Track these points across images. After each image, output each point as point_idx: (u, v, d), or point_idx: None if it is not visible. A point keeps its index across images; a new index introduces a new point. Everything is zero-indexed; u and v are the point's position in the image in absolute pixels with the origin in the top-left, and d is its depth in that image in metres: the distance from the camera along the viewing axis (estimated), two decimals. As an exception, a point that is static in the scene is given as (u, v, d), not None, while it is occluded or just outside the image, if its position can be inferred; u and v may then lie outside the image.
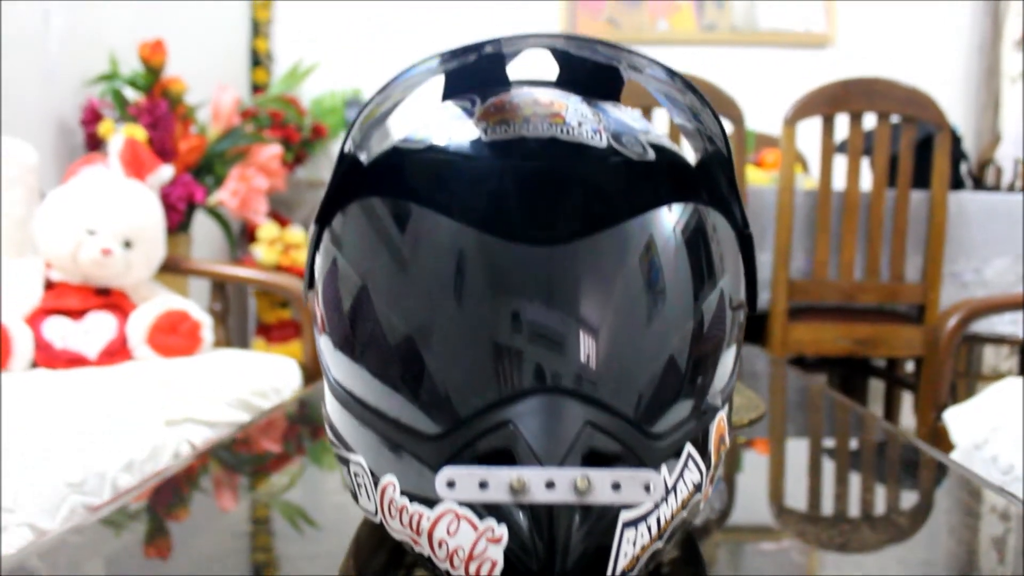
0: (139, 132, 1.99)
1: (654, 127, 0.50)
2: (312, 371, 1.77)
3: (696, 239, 0.45)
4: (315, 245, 0.50)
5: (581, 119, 0.45)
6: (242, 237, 3.14)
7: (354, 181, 0.48)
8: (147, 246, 1.63)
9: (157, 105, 2.06)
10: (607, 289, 0.41)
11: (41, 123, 2.02)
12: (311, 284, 0.50)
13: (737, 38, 3.24)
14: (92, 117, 2.06)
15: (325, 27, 3.42)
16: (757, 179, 2.39)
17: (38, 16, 2.00)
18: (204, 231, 2.62)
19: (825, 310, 2.17)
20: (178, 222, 2.13)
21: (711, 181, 0.48)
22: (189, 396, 1.31)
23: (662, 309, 0.43)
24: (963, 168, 2.36)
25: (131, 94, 2.17)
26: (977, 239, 2.12)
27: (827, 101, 2.05)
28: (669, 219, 0.44)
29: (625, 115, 0.49)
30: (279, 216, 3.11)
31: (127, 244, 1.59)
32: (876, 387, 2.84)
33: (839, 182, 2.14)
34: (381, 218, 0.45)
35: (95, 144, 2.07)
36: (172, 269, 1.77)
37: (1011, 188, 2.45)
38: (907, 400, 2.67)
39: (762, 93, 3.29)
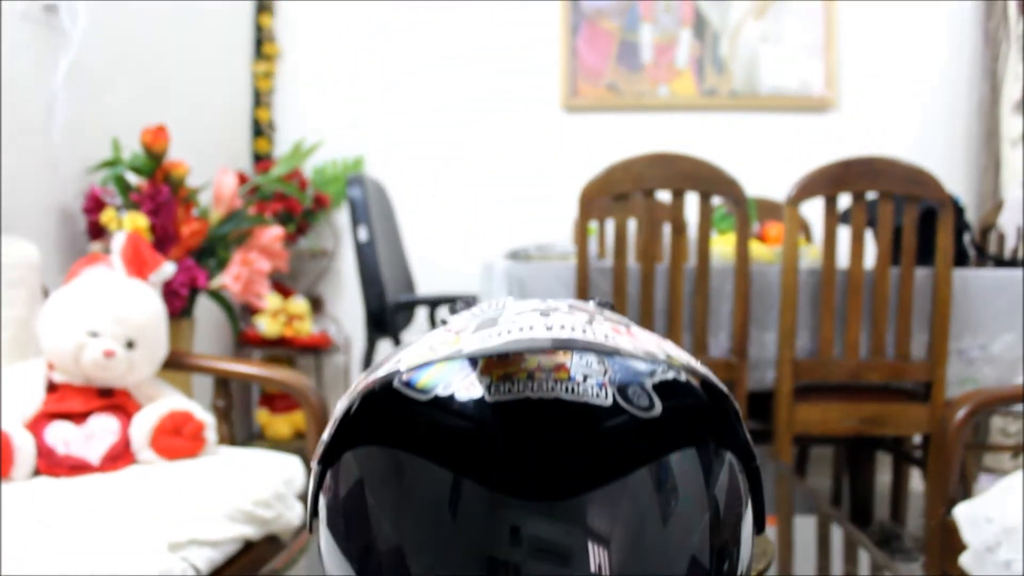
0: (141, 220, 2.00)
1: (667, 354, 0.49)
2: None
3: (698, 481, 0.45)
4: (318, 484, 0.50)
5: (586, 371, 0.45)
6: (245, 309, 3.14)
7: (358, 421, 0.48)
8: (150, 345, 1.63)
9: (159, 191, 2.07)
10: (610, 541, 0.43)
11: (44, 211, 2.03)
12: (315, 514, 0.50)
13: (738, 103, 3.26)
14: (94, 205, 2.07)
15: (327, 97, 3.45)
16: (761, 254, 2.39)
17: (43, 104, 2.01)
18: (207, 313, 2.62)
19: (831, 389, 2.16)
20: (180, 308, 2.13)
21: (717, 422, 0.48)
22: (192, 513, 1.30)
23: (667, 557, 0.43)
24: (966, 238, 2.35)
25: (133, 178, 2.18)
26: (982, 315, 2.11)
27: (829, 181, 2.05)
28: (674, 466, 0.45)
29: (635, 352, 0.48)
30: (281, 287, 3.11)
31: (129, 344, 1.59)
32: (883, 459, 2.82)
33: (843, 259, 2.14)
34: (385, 470, 0.45)
35: (97, 233, 2.08)
36: (175, 365, 1.77)
37: (1014, 255, 2.45)
38: (915, 474, 2.65)
39: (764, 158, 3.31)
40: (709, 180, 2.08)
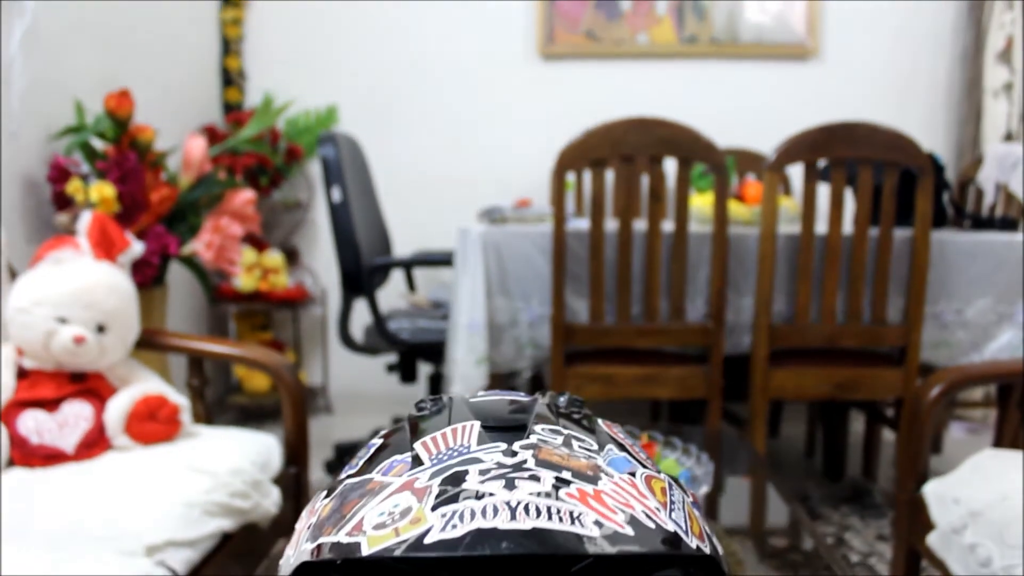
0: (108, 189, 1.95)
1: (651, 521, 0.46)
2: (295, 448, 1.76)
3: None
4: None
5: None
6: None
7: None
8: (121, 329, 1.60)
9: (126, 158, 2.02)
10: None
11: (6, 181, 1.97)
12: None
13: (719, 51, 3.20)
14: (59, 175, 2.01)
15: (299, 44, 3.35)
16: (739, 214, 2.38)
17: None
18: (180, 276, 2.59)
19: (806, 353, 2.17)
20: (152, 276, 2.10)
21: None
22: (168, 512, 1.29)
23: None
24: (945, 197, 2.35)
25: (98, 143, 2.12)
26: (958, 280, 2.12)
27: (809, 147, 2.03)
28: None
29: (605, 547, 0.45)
30: (256, 240, 3.07)
31: (100, 329, 1.56)
32: (857, 412, 2.86)
33: (822, 218, 2.13)
34: None
35: (63, 203, 2.02)
36: (148, 345, 1.74)
37: (992, 211, 2.45)
38: (888, 430, 2.69)
39: (745, 106, 3.27)
40: (689, 146, 2.05)
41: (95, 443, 1.53)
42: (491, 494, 0.42)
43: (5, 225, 1.77)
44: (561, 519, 0.41)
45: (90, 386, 1.58)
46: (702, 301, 2.20)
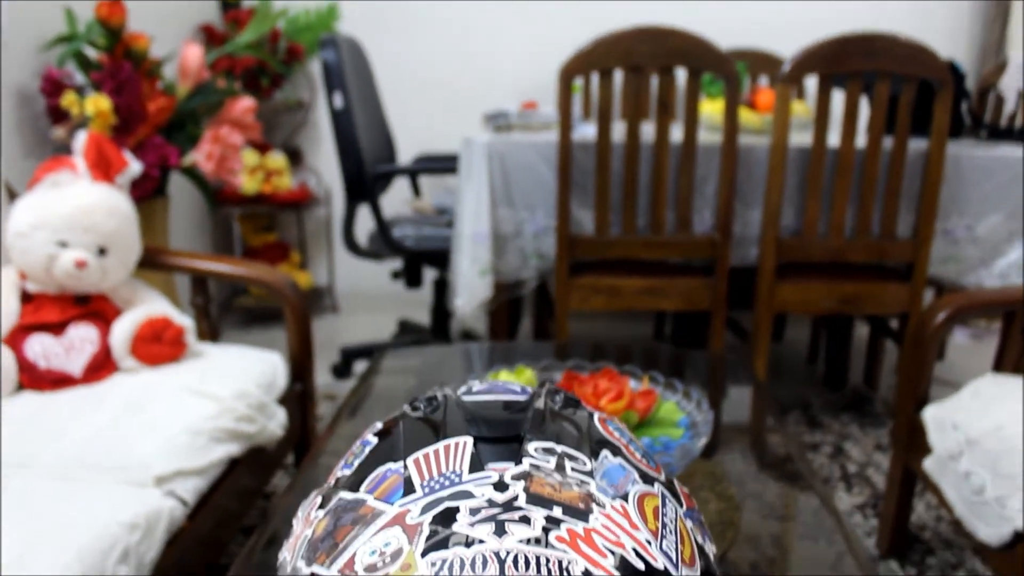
0: (104, 102, 1.90)
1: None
2: (300, 364, 1.77)
3: None
4: None
5: None
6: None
7: None
8: (122, 250, 1.60)
9: (120, 68, 1.96)
10: None
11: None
12: None
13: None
14: (53, 88, 1.96)
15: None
16: (750, 121, 2.32)
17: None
18: (181, 184, 2.55)
19: (812, 267, 2.16)
20: (153, 188, 2.07)
21: None
22: (176, 442, 1.31)
23: None
24: (963, 106, 2.28)
25: (91, 52, 2.06)
26: (971, 195, 2.08)
27: (825, 59, 1.95)
28: None
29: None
30: (258, 142, 3.02)
31: (101, 251, 1.56)
32: (861, 323, 2.86)
33: (836, 126, 2.08)
34: None
35: (59, 116, 1.98)
36: (151, 264, 1.74)
37: (1011, 121, 2.38)
38: (892, 343, 2.69)
39: (760, 2, 3.15)
40: (700, 56, 1.98)
41: (102, 366, 1.55)
42: (480, 541, 0.42)
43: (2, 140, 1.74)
44: (550, 572, 0.41)
45: (94, 308, 1.59)
46: (709, 213, 2.17)
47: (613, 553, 0.44)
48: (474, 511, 0.44)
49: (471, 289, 2.23)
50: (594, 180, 2.09)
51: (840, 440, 2.27)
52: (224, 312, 3.29)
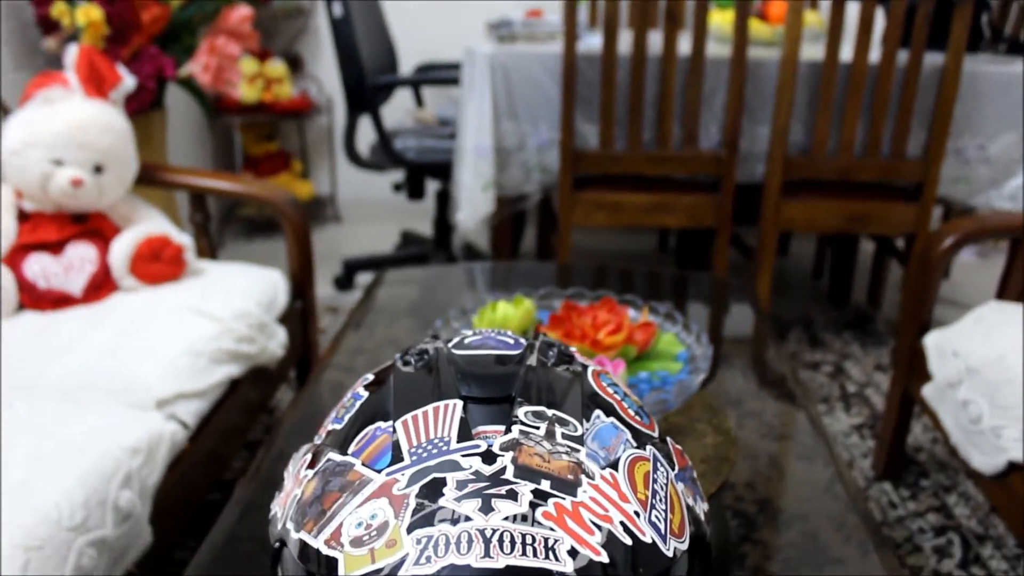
0: (95, 12, 1.85)
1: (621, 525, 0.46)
2: (301, 281, 1.77)
3: None
4: None
5: None
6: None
7: None
8: (118, 167, 1.57)
9: (112, -26, 1.90)
10: None
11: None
12: None
13: None
14: (42, -5, 1.90)
15: None
16: (760, 33, 2.26)
17: None
18: (178, 96, 2.50)
19: (819, 185, 2.12)
20: (150, 100, 2.03)
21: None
22: (177, 364, 1.32)
23: None
24: (984, 18, 2.21)
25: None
26: (985, 114, 2.03)
27: (841, -33, 1.88)
28: None
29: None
30: (257, 49, 2.94)
31: (97, 169, 1.53)
32: (867, 240, 2.83)
33: (847, 47, 2.01)
34: None
35: (49, 27, 1.92)
36: (148, 181, 1.71)
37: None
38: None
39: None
40: (711, -35, 1.91)
41: (102, 285, 1.54)
42: (467, 518, 0.42)
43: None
44: (536, 551, 0.41)
45: (93, 226, 1.57)
46: (716, 129, 2.13)
47: (600, 528, 0.43)
48: (461, 484, 0.44)
49: (473, 204, 2.21)
50: (599, 93, 2.04)
51: (841, 359, 2.28)
52: (226, 223, 3.27)
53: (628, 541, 0.44)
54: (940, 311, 1.63)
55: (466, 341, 0.60)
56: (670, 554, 0.46)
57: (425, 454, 0.46)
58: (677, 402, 0.96)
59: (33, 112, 1.51)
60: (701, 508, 0.55)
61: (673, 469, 0.53)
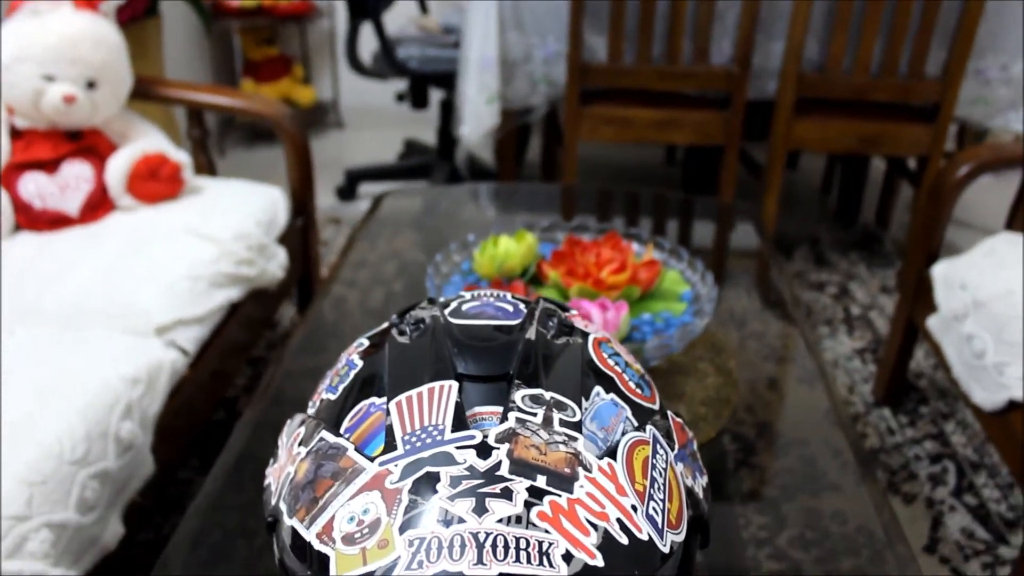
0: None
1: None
2: (301, 198, 1.74)
3: None
4: None
5: None
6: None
7: None
8: (112, 82, 1.53)
9: None
10: None
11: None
12: None
13: None
14: None
15: None
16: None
17: None
18: (173, 5, 2.41)
19: (833, 104, 2.07)
20: (144, 7, 1.97)
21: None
22: (176, 290, 1.31)
23: None
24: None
25: None
26: (1010, 33, 1.96)
27: None
28: None
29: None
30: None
31: (90, 85, 1.49)
32: (878, 158, 2.77)
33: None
34: None
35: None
36: (143, 96, 1.67)
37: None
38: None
39: None
40: None
41: (99, 204, 1.52)
42: (460, 520, 0.41)
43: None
44: (530, 557, 0.40)
45: (88, 144, 1.54)
46: (728, 43, 2.06)
47: (596, 528, 0.42)
48: (455, 481, 0.43)
49: (477, 117, 2.16)
50: (608, 4, 1.97)
51: (846, 280, 2.27)
52: (226, 130, 3.22)
53: (624, 540, 0.43)
54: (949, 232, 1.60)
55: (464, 308, 0.58)
56: (666, 550, 0.45)
57: (419, 443, 0.45)
58: (680, 346, 0.95)
59: (21, 24, 1.46)
60: (700, 484, 0.54)
61: (673, 449, 0.52)
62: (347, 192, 2.80)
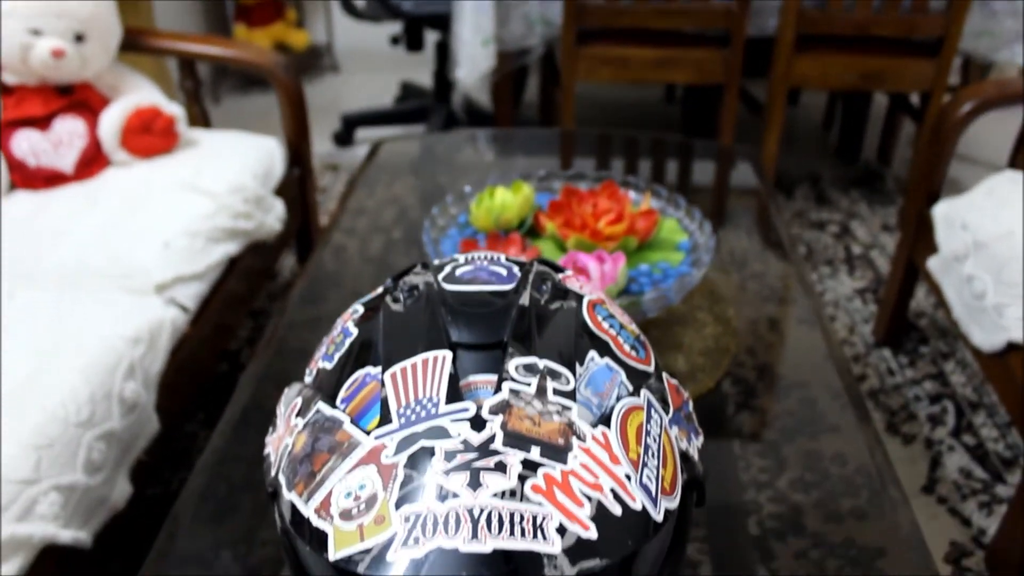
0: None
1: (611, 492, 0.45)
2: (297, 148, 1.73)
3: None
4: None
5: None
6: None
7: None
8: (101, 35, 1.51)
9: None
10: None
11: None
12: None
13: None
14: None
15: None
16: None
17: None
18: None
19: (834, 40, 2.03)
20: (130, -46, 1.92)
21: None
22: (174, 246, 1.30)
23: None
24: None
25: None
26: (1016, -39, 1.92)
27: None
28: None
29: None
30: None
31: (79, 38, 1.47)
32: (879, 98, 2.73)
33: None
34: None
35: None
36: (134, 47, 1.64)
37: None
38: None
39: None
40: None
41: (93, 160, 1.51)
42: (455, 495, 0.41)
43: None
44: (524, 531, 0.41)
45: (80, 98, 1.52)
46: (728, -21, 2.02)
47: (590, 499, 0.43)
48: (450, 455, 0.43)
49: (473, 59, 2.13)
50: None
51: (847, 219, 2.26)
52: (220, 76, 3.17)
53: (618, 511, 0.44)
54: (952, 167, 1.59)
55: (458, 273, 0.58)
56: (659, 518, 0.46)
57: (413, 416, 0.46)
58: (678, 298, 0.95)
59: (5, -22, 1.43)
60: (695, 446, 0.55)
61: (668, 413, 0.53)
62: (344, 138, 2.77)
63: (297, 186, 1.75)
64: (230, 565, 0.75)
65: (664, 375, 0.56)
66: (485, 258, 0.60)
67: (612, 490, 0.44)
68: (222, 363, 1.73)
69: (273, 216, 1.55)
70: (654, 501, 0.46)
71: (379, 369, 0.50)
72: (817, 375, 0.99)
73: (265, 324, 1.87)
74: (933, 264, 1.49)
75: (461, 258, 0.61)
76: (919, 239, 1.59)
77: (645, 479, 0.46)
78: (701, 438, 0.57)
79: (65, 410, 0.97)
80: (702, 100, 2.60)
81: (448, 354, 0.49)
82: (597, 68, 2.10)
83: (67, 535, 0.94)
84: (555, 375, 0.49)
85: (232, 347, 1.78)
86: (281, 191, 1.63)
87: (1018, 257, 1.29)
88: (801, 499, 0.81)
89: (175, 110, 1.56)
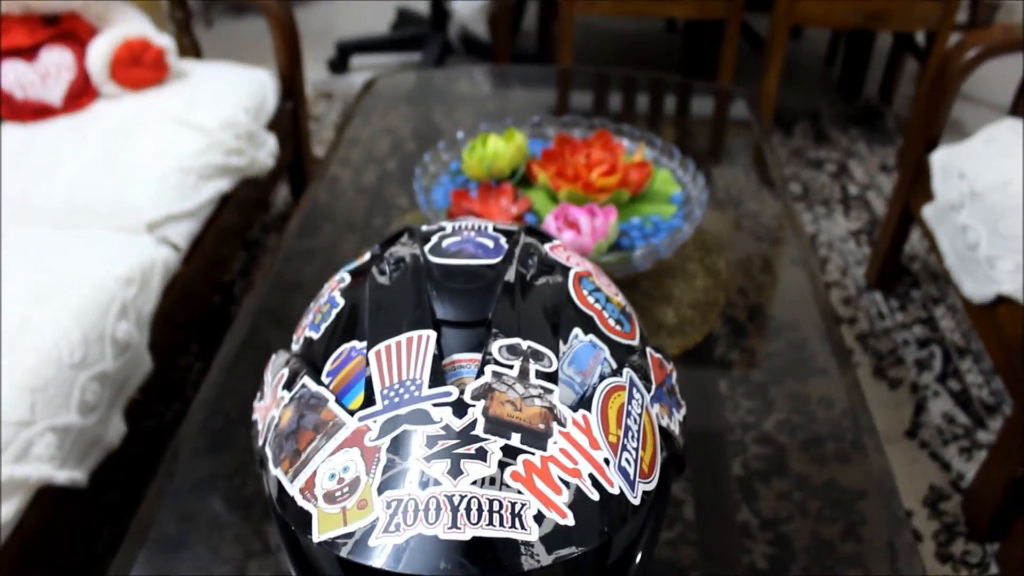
0: None
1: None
2: (289, 81, 1.70)
3: None
4: None
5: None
6: None
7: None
8: (87, -39, 1.47)
9: None
10: None
11: None
12: None
13: None
14: None
15: None
16: None
17: None
18: None
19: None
20: None
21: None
22: (165, 183, 1.30)
23: None
24: None
25: None
26: None
27: None
28: None
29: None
30: None
31: (64, -36, 1.43)
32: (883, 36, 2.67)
33: None
34: None
35: None
36: (121, -26, 1.60)
37: None
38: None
39: None
40: None
41: (82, 92, 1.49)
42: (436, 482, 0.42)
43: None
44: (503, 519, 0.42)
45: (66, 29, 1.49)
46: (734, -90, 1.96)
47: (568, 486, 0.44)
48: (431, 440, 0.44)
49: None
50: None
51: (845, 158, 2.24)
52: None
53: (595, 496, 0.44)
54: (955, 108, 1.57)
55: (444, 244, 0.58)
56: (636, 502, 0.47)
57: (397, 398, 0.46)
58: (668, 252, 0.95)
59: (-13, -100, 1.39)
60: (677, 420, 0.56)
61: (650, 390, 0.53)
62: (339, 65, 2.73)
63: (290, 119, 1.73)
64: (230, 495, 0.76)
65: (648, 350, 0.57)
66: (472, 228, 0.60)
67: (590, 475, 0.45)
68: (216, 295, 1.74)
69: (265, 152, 1.54)
70: (631, 484, 0.47)
71: (364, 344, 0.50)
72: (807, 317, 0.99)
73: (259, 255, 1.87)
74: (928, 212, 1.49)
75: (448, 226, 0.61)
76: (916, 185, 1.58)
77: (624, 462, 0.47)
78: (683, 410, 0.58)
79: (58, 351, 0.98)
80: (703, 35, 2.55)
81: (432, 334, 0.49)
82: (596, 1, 2.06)
83: (63, 476, 0.95)
84: (538, 356, 0.49)
85: (226, 279, 1.78)
86: (273, 125, 1.61)
87: (1014, 208, 1.29)
88: (786, 441, 0.83)
89: (165, 42, 1.53)
